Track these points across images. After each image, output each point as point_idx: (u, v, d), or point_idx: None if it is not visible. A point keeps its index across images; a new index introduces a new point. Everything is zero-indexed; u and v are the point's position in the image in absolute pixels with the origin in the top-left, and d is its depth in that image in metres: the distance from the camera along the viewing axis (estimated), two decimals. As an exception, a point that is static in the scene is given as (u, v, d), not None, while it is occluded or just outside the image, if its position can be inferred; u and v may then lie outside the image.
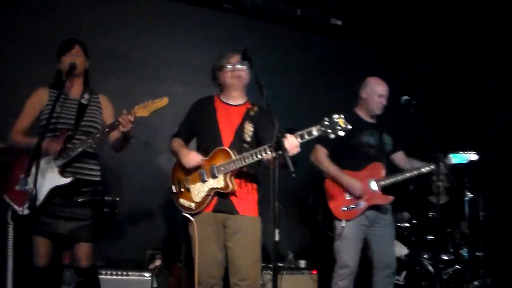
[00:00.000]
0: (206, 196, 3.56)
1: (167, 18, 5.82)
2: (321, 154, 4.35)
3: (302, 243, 5.99)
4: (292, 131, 3.29)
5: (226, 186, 3.51)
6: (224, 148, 3.56)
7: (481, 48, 6.22)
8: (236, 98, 3.77)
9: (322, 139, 4.27)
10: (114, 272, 4.53)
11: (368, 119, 4.49)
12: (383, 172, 4.35)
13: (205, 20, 5.97)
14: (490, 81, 6.11)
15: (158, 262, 4.92)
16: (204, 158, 3.59)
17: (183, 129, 3.84)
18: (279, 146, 3.01)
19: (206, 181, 3.57)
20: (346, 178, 4.26)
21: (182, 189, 3.68)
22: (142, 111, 3.42)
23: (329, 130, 3.17)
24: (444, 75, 6.65)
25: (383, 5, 6.54)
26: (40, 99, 3.65)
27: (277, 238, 2.92)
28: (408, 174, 4.34)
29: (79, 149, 3.46)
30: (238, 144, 3.60)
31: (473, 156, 4.37)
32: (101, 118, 3.73)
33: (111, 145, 3.77)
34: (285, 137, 3.14)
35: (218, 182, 3.54)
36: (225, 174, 3.51)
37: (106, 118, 3.74)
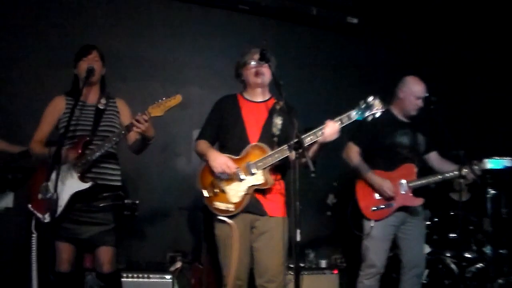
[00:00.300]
0: (245, 195, 3.45)
1: (183, 20, 5.84)
2: (353, 152, 4.31)
3: (322, 243, 5.96)
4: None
5: (266, 181, 3.43)
6: (258, 144, 3.49)
7: (502, 46, 6.13)
8: (261, 95, 3.70)
9: (355, 136, 4.29)
10: (135, 275, 4.55)
11: (403, 118, 4.41)
12: (415, 174, 4.28)
13: (221, 22, 5.98)
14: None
15: (178, 264, 4.92)
16: (236, 157, 3.49)
17: (207, 130, 3.73)
18: (299, 146, 3.03)
19: (243, 179, 3.45)
20: (377, 178, 4.22)
21: (216, 192, 3.52)
22: (156, 110, 3.41)
23: (366, 112, 3.28)
24: (463, 73, 6.56)
25: (400, 3, 6.49)
26: (57, 107, 3.66)
27: (298, 238, 2.92)
28: (439, 177, 4.27)
29: (97, 154, 3.46)
30: (267, 139, 3.51)
31: (509, 162, 4.26)
32: (118, 122, 3.73)
33: (130, 147, 3.77)
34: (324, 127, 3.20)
35: (257, 179, 3.44)
36: (263, 170, 3.43)
37: (124, 122, 3.73)
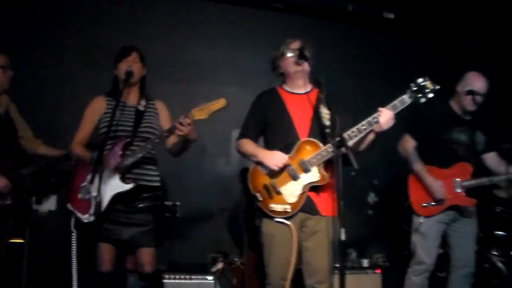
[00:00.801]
0: (302, 194, 3.34)
1: (219, 21, 5.87)
2: (410, 146, 4.24)
3: (364, 242, 5.89)
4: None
5: (323, 177, 3.33)
6: (309, 139, 3.37)
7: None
8: (302, 86, 3.57)
9: (411, 129, 4.22)
10: (177, 276, 4.57)
11: (462, 115, 4.29)
12: (470, 173, 4.16)
13: (256, 21, 5.99)
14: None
15: (220, 265, 4.92)
16: (287, 155, 3.36)
17: (249, 128, 3.61)
18: (341, 144, 2.98)
19: (299, 178, 3.35)
20: (428, 178, 4.14)
21: (272, 194, 3.39)
22: (199, 113, 3.36)
23: (419, 95, 3.23)
24: (505, 67, 6.39)
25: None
26: (97, 108, 3.68)
27: (343, 237, 2.87)
28: (496, 178, 4.18)
29: (139, 155, 3.47)
30: (318, 132, 3.40)
31: None
32: (158, 123, 3.73)
33: (169, 150, 3.75)
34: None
35: (313, 176, 3.34)
36: (318, 166, 3.33)
37: (163, 123, 3.74)
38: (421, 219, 4.12)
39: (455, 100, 4.31)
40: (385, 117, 3.18)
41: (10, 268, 4.26)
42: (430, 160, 4.21)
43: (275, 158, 3.33)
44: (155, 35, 5.52)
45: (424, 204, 4.15)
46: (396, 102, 3.24)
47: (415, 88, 3.24)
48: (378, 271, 5.16)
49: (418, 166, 4.19)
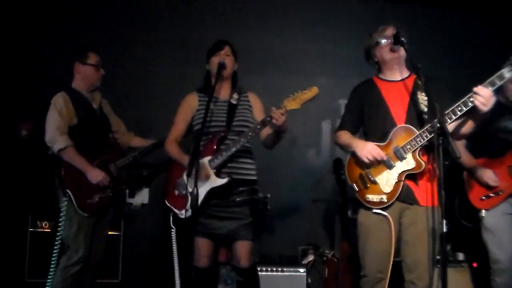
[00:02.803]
0: (398, 182, 3.24)
1: (304, 10, 5.83)
2: (460, 146, 4.01)
3: (459, 235, 5.67)
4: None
5: (419, 164, 3.20)
6: (404, 125, 3.27)
7: None
8: (399, 73, 3.45)
9: None
10: (269, 268, 4.57)
11: (508, 103, 4.08)
12: None
13: (344, 9, 5.90)
14: None
15: (311, 257, 4.89)
16: (382, 144, 3.29)
17: (347, 119, 3.55)
18: (442, 132, 2.85)
19: (394, 166, 3.25)
20: (476, 170, 3.98)
21: (367, 184, 3.33)
22: (292, 103, 3.31)
23: None
24: None
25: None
26: (191, 105, 3.70)
27: (445, 229, 2.77)
28: None
29: (233, 149, 3.45)
30: (415, 118, 3.29)
31: None
32: (251, 116, 3.71)
33: (263, 142, 3.72)
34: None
35: (408, 163, 3.22)
36: (413, 153, 3.22)
37: (257, 116, 3.71)
38: (483, 213, 3.94)
39: (502, 89, 4.03)
40: (482, 97, 2.93)
41: (108, 259, 4.39)
42: (480, 153, 4.05)
43: (367, 149, 3.26)
44: (243, 28, 5.54)
45: (482, 197, 3.97)
46: (494, 78, 2.97)
47: None
48: (475, 264, 4.93)
49: (468, 161, 4.02)
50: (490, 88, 2.96)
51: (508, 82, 3.91)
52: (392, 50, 3.34)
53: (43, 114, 3.92)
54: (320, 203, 5.35)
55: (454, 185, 4.17)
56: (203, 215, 3.50)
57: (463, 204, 4.13)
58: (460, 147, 4.00)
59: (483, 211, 3.96)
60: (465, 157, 4.03)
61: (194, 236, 3.52)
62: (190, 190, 3.23)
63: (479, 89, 2.95)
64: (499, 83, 2.98)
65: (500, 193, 3.93)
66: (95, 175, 3.88)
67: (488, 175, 3.94)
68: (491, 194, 3.95)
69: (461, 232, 4.46)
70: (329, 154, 5.49)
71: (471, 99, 2.99)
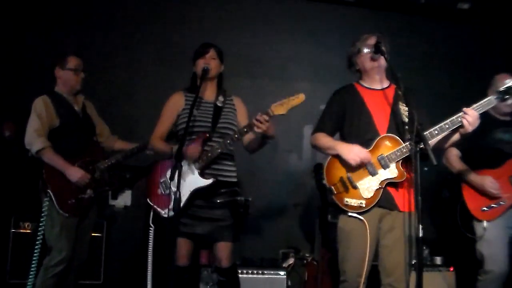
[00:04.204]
0: (378, 189, 3.28)
1: (290, 16, 5.90)
2: (453, 156, 4.16)
3: (437, 239, 5.76)
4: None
5: (401, 174, 3.26)
6: (389, 135, 3.32)
7: None
8: (380, 82, 3.51)
9: None
10: (250, 271, 4.61)
11: (501, 117, 4.18)
12: None
13: (328, 16, 5.99)
14: None
15: (291, 260, 4.93)
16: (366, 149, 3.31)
17: (326, 122, 3.55)
18: (420, 139, 2.94)
19: (377, 173, 3.29)
20: (476, 178, 4.02)
21: (347, 188, 3.34)
22: (279, 109, 3.37)
23: (506, 96, 3.15)
24: None
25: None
26: (176, 103, 3.71)
27: (421, 234, 2.84)
28: None
29: (218, 151, 3.49)
30: (396, 128, 3.34)
31: None
32: (236, 119, 3.75)
33: (246, 146, 3.77)
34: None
35: (391, 172, 3.28)
36: (396, 163, 3.28)
37: (241, 119, 3.76)
38: (484, 224, 3.96)
39: None
40: (470, 117, 3.10)
41: (90, 261, 4.41)
42: (479, 164, 4.08)
43: (355, 152, 3.28)
44: (228, 32, 5.58)
45: (484, 208, 3.99)
46: (482, 102, 3.15)
47: (502, 89, 3.15)
48: (452, 269, 5.02)
49: (466, 172, 4.08)
50: (478, 111, 3.11)
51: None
52: (372, 59, 3.41)
53: (26, 115, 3.96)
54: (300, 207, 5.40)
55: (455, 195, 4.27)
56: (185, 215, 3.52)
57: (463, 215, 4.14)
58: (454, 157, 4.14)
59: (485, 222, 3.97)
60: (459, 166, 4.12)
61: (176, 236, 3.52)
62: (173, 190, 3.24)
63: (468, 110, 3.10)
64: (486, 107, 3.16)
65: (502, 203, 3.96)
66: (74, 173, 3.92)
67: (488, 183, 3.95)
68: (493, 205, 3.97)
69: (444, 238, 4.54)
70: (310, 159, 5.54)
71: (459, 119, 3.12)
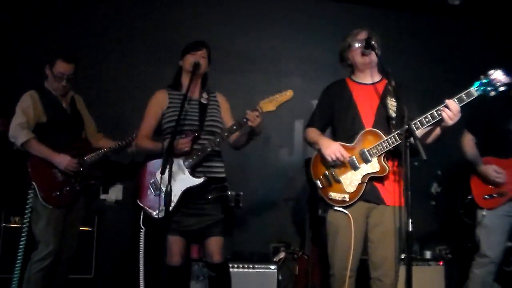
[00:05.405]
0: (361, 184, 3.31)
1: (281, 12, 5.88)
2: (467, 141, 4.19)
3: (427, 234, 5.80)
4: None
5: (383, 169, 3.28)
6: (371, 129, 3.33)
7: None
8: (371, 76, 3.52)
9: (470, 125, 4.15)
10: (240, 265, 4.61)
11: None
12: None
13: (320, 12, 5.99)
14: None
15: (282, 255, 4.94)
16: (349, 145, 3.36)
17: (317, 117, 3.61)
18: (409, 134, 2.96)
19: (359, 168, 3.32)
20: (482, 167, 4.07)
21: (330, 182, 3.40)
22: (268, 105, 3.39)
23: (489, 88, 3.05)
24: None
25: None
26: (160, 101, 3.70)
27: (410, 228, 2.87)
28: None
29: (209, 149, 3.49)
30: (383, 122, 3.35)
31: None
32: (220, 116, 3.76)
33: (232, 143, 3.78)
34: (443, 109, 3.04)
35: (373, 167, 3.30)
36: (378, 157, 3.29)
37: (224, 116, 3.78)
38: (484, 212, 4.04)
39: None
40: (450, 111, 3.03)
41: (81, 255, 4.41)
42: (488, 150, 4.15)
43: (332, 149, 3.33)
44: (219, 28, 5.58)
45: (486, 196, 4.07)
46: (462, 94, 3.07)
47: (484, 81, 3.04)
48: (441, 263, 5.07)
49: (477, 161, 4.12)
50: (458, 103, 3.05)
51: None
52: (363, 54, 3.43)
53: (16, 110, 3.95)
54: (291, 201, 5.42)
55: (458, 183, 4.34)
56: (176, 213, 3.52)
57: (465, 202, 4.23)
58: (470, 142, 4.17)
59: (484, 210, 4.05)
60: (471, 152, 4.15)
61: (167, 234, 3.54)
62: (164, 190, 3.22)
63: (450, 103, 3.04)
64: (466, 100, 3.07)
65: (504, 194, 4.03)
66: (61, 160, 3.91)
67: (492, 169, 4.02)
68: (495, 195, 4.04)
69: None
70: (301, 154, 5.55)
71: (439, 112, 3.09)
